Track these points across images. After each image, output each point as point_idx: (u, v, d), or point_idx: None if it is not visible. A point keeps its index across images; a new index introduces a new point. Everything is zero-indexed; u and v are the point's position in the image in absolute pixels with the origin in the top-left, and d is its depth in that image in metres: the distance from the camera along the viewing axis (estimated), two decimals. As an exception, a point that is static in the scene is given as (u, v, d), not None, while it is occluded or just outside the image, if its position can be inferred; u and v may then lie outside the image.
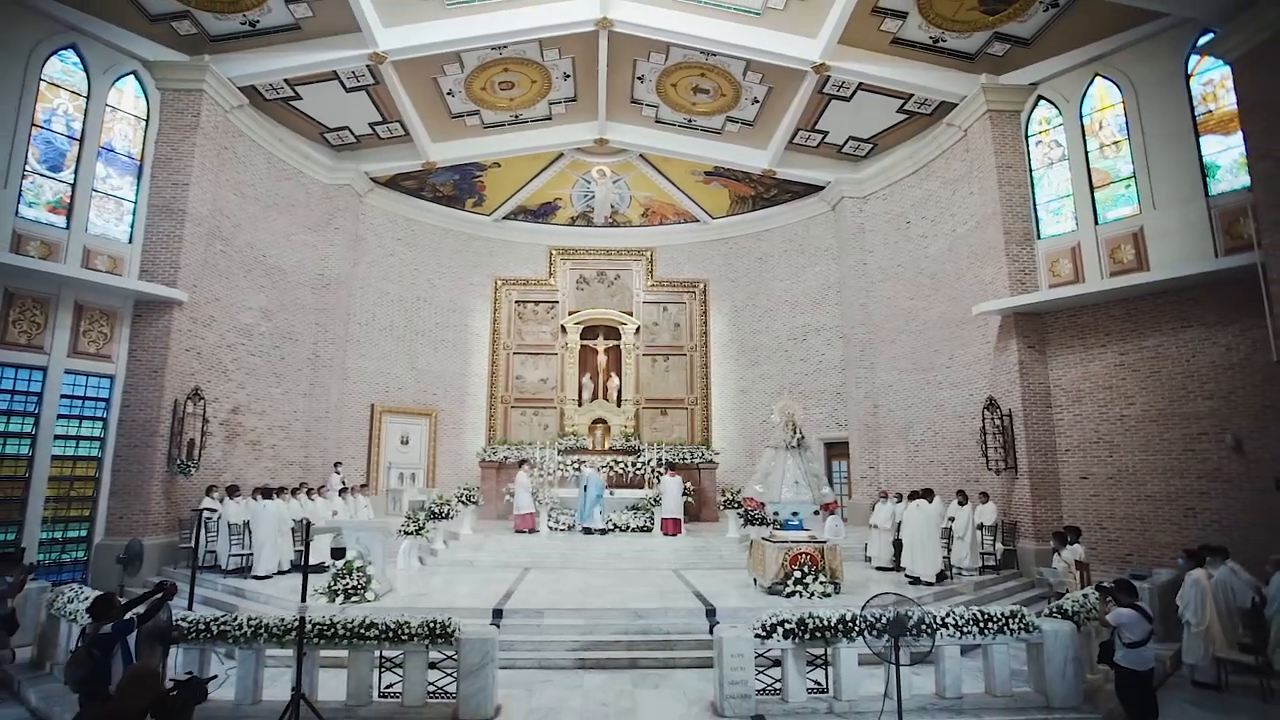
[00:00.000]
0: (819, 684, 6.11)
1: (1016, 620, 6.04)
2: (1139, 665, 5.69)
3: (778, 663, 6.15)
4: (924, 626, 5.68)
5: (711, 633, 6.76)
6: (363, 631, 5.68)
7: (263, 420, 13.93)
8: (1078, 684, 5.97)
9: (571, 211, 19.21)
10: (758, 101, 14.75)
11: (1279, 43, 8.42)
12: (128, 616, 4.64)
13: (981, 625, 5.99)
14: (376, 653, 5.92)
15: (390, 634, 5.72)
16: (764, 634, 5.90)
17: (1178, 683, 7.10)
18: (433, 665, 6.06)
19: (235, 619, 5.77)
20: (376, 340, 16.69)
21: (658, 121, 15.98)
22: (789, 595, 8.52)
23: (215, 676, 5.33)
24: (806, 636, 5.88)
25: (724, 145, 16.34)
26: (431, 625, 5.76)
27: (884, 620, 5.42)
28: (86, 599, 6.40)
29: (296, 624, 5.41)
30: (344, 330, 15.82)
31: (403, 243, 17.53)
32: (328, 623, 5.73)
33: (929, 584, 9.67)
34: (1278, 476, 6.36)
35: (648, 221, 19.44)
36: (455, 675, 5.79)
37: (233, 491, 11.03)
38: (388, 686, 6.00)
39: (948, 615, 6.01)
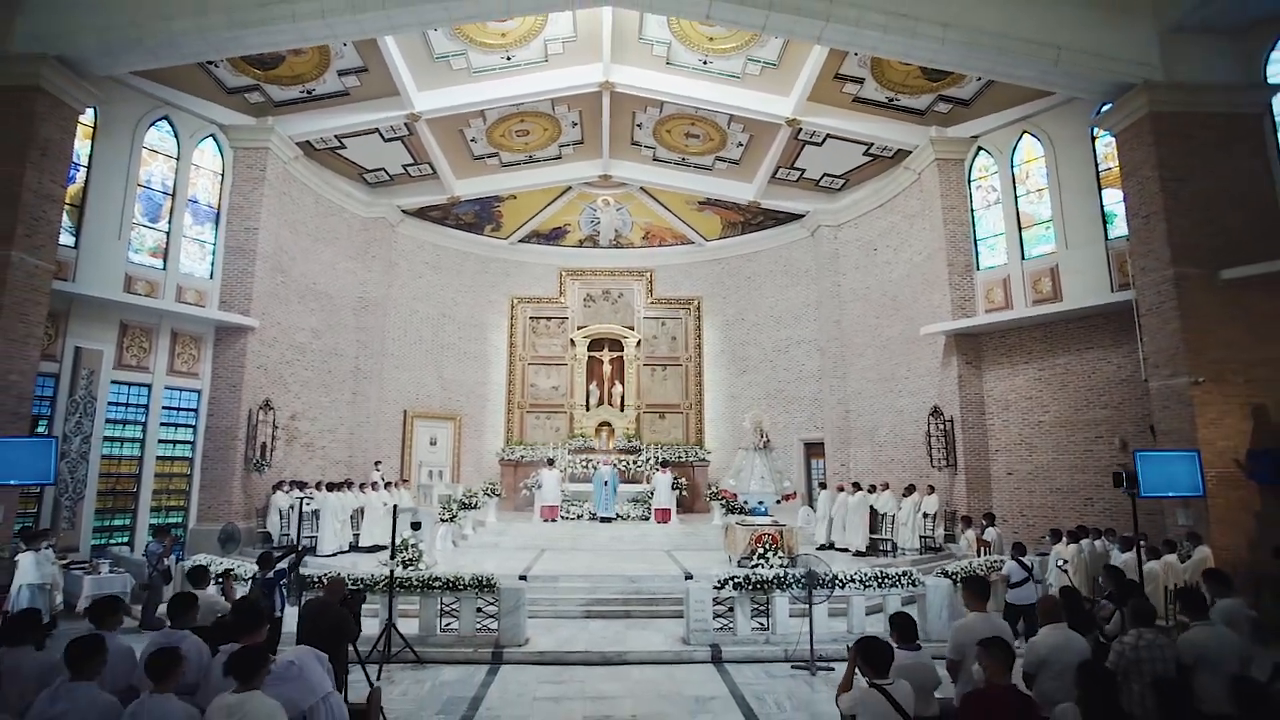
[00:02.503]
0: (762, 624, 8.29)
1: (907, 578, 8.21)
2: (1019, 600, 8.05)
3: (733, 609, 8.33)
4: (835, 581, 7.85)
5: (687, 592, 8.94)
6: (430, 583, 7.93)
7: (314, 425, 16.22)
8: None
9: (579, 235, 21.39)
10: (742, 145, 16.89)
11: (1146, 124, 10.46)
12: (279, 568, 6.87)
13: (879, 581, 8.15)
14: (439, 601, 8.15)
15: (449, 585, 7.97)
16: (719, 586, 8.10)
17: (1045, 630, 9.23)
18: (478, 610, 8.28)
19: (339, 575, 8.01)
20: (408, 353, 18.94)
21: (655, 160, 18.14)
22: (753, 567, 10.67)
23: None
24: (750, 588, 8.07)
25: (714, 179, 18.48)
26: (479, 579, 8.02)
27: (803, 576, 7.61)
28: (220, 564, 8.66)
29: (387, 577, 7.67)
30: (380, 345, 18.05)
31: (430, 266, 19.77)
32: (405, 577, 7.98)
33: (866, 554, 11.93)
34: (1115, 472, 8.33)
35: (648, 244, 21.60)
36: (496, 616, 8.04)
37: (301, 486, 13.30)
38: (446, 625, 8.24)
39: (855, 573, 8.18)
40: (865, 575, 8.20)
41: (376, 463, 16.94)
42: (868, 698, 3.30)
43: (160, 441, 12.71)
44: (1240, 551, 9.18)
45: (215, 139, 14.08)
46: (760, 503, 11.49)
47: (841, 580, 7.99)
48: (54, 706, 2.94)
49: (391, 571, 7.50)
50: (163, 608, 8.96)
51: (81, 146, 11.88)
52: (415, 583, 7.91)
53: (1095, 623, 5.45)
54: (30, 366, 9.81)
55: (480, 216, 20.11)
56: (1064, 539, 9.35)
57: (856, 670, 3.58)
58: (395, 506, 7.68)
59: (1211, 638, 4.16)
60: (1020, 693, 3.34)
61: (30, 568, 7.57)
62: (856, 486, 13.69)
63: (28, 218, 9.71)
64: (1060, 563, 8.22)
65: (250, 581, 7.06)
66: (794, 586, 7.90)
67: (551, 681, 7.10)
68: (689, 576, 10.16)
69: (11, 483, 8.76)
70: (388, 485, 15.02)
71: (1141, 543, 9.32)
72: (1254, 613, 5.73)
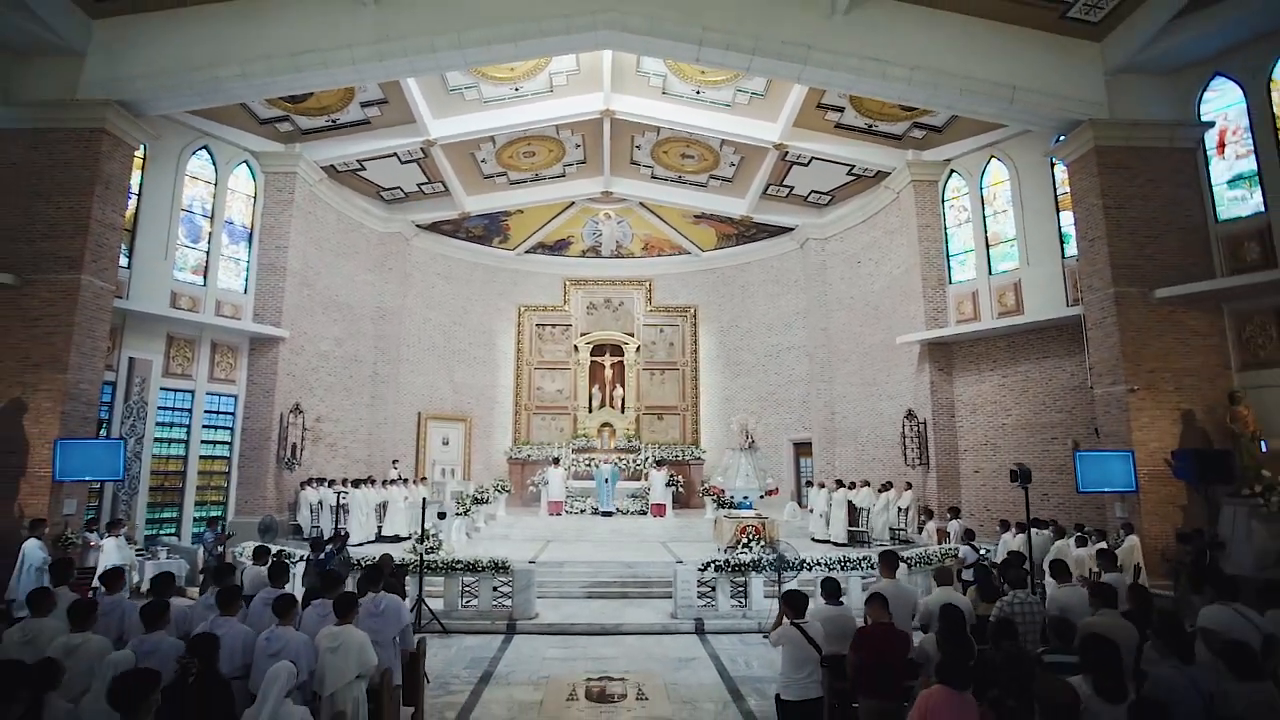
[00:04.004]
0: (740, 602, 9.51)
1: (866, 563, 9.43)
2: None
3: (716, 589, 9.56)
4: (802, 564, 9.08)
5: (676, 575, 10.19)
6: (453, 564, 9.20)
7: (337, 427, 17.50)
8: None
9: (582, 246, 22.64)
10: (734, 165, 18.10)
11: (1092, 156, 11.60)
12: (328, 549, 8.13)
13: (842, 565, 9.37)
14: (461, 581, 9.41)
15: (470, 567, 9.24)
16: (703, 568, 9.33)
17: (994, 610, 10.45)
18: (494, 589, 9.54)
19: (388, 554, 9.28)
20: (422, 359, 20.19)
21: (653, 177, 19.34)
22: (738, 555, 11.90)
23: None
24: (730, 571, 9.31)
25: (709, 195, 19.68)
26: (495, 562, 9.29)
27: (774, 560, 8.85)
28: (275, 552, 9.92)
29: (418, 560, 8.94)
30: (396, 352, 19.29)
31: (442, 277, 21.02)
32: (432, 560, 9.24)
33: (845, 544, 13.15)
34: (1011, 470, 9.38)
35: (647, 254, 22.83)
36: (510, 594, 9.29)
37: (330, 483, 14.58)
38: (466, 602, 9.50)
39: (820, 558, 9.40)
40: (830, 560, 9.42)
41: (394, 461, 18.20)
42: (788, 632, 4.51)
43: (202, 442, 14.00)
44: (1168, 541, 10.35)
45: (249, 165, 15.35)
46: (745, 498, 12.71)
47: (809, 564, 9.21)
48: (215, 632, 4.18)
49: (421, 555, 8.77)
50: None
51: (133, 176, 13.16)
52: (441, 565, 9.17)
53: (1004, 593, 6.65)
54: (96, 376, 11.07)
55: (489, 230, 21.35)
56: (1012, 529, 10.56)
57: (784, 616, 4.79)
58: (424, 499, 8.94)
59: (1071, 596, 5.36)
60: (895, 628, 4.54)
61: (113, 551, 8.86)
62: (839, 484, 14.92)
63: (94, 245, 10.96)
64: (984, 551, 9.43)
65: (304, 562, 8.32)
66: (767, 569, 9.12)
67: (558, 647, 8.36)
68: (679, 562, 11.39)
69: (87, 478, 10.06)
70: (405, 482, 16.29)
71: (1084, 531, 10.59)
72: (1130, 587, 6.92)
